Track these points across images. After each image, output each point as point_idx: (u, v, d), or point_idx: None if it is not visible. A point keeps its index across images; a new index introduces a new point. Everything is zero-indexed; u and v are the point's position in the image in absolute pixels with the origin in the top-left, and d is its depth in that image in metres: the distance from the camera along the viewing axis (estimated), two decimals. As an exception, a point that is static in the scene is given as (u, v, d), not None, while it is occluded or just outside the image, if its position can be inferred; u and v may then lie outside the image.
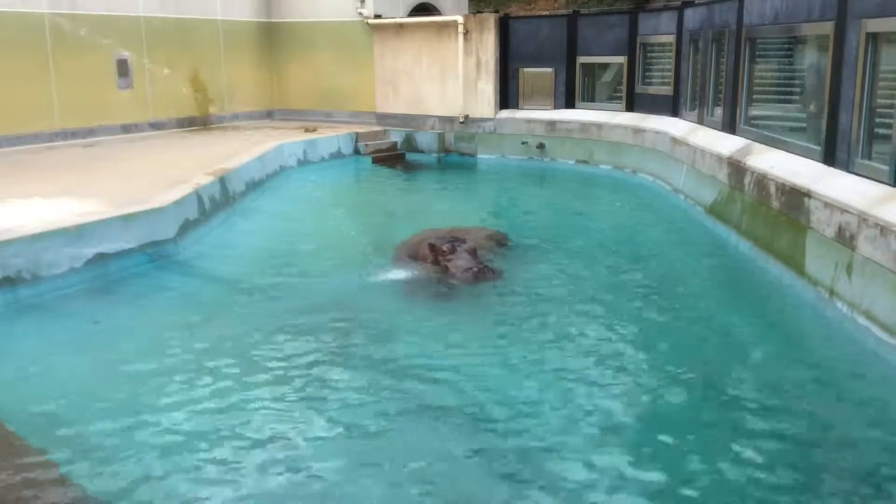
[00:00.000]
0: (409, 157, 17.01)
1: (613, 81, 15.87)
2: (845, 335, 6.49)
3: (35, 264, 7.35)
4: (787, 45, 9.75)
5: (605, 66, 15.90)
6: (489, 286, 7.81)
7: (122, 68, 15.39)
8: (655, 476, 4.43)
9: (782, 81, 10.10)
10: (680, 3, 13.58)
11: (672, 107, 13.91)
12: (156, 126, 16.18)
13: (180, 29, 16.50)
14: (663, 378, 5.76)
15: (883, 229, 6.17)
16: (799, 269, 7.63)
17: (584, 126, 15.48)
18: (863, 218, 6.48)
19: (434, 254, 8.14)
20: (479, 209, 12.78)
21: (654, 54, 14.80)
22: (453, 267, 7.94)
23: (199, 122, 17.13)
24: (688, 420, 5.13)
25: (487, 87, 16.53)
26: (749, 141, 10.00)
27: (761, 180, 8.78)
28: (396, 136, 17.32)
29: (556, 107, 16.15)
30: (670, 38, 13.90)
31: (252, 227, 10.69)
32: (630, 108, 15.16)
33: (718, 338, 6.60)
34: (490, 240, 9.29)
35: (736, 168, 9.65)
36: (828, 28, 7.97)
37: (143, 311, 7.21)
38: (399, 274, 8.17)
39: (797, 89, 9.67)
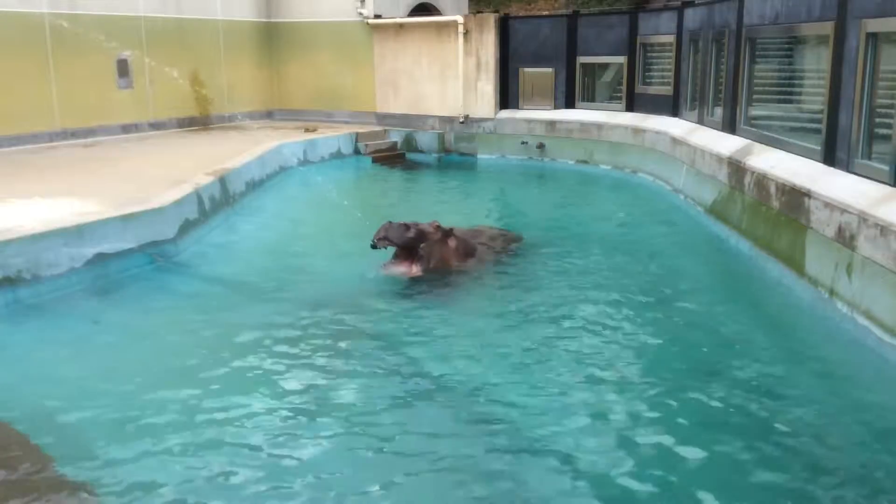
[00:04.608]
0: (409, 157, 17.02)
1: (613, 81, 15.87)
2: (845, 335, 6.49)
3: (35, 264, 7.35)
4: (787, 45, 9.75)
5: (605, 66, 15.90)
6: (492, 287, 7.82)
7: (122, 68, 15.39)
8: (654, 474, 4.43)
9: (782, 81, 10.10)
10: (680, 3, 13.59)
11: (672, 107, 13.91)
12: (156, 126, 16.18)
13: (180, 29, 16.50)
14: (661, 376, 5.76)
15: (883, 229, 6.16)
16: (799, 269, 7.63)
17: (584, 126, 15.49)
18: (863, 218, 6.48)
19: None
20: (480, 209, 12.76)
21: (654, 54, 14.81)
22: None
23: (199, 122, 17.13)
24: (685, 418, 5.12)
25: (487, 87, 16.54)
26: (749, 141, 10.00)
27: (761, 180, 8.78)
28: (396, 136, 17.34)
29: (556, 107, 16.16)
30: (670, 38, 13.91)
31: (252, 227, 10.69)
32: (630, 108, 15.17)
33: (717, 338, 6.59)
34: (504, 239, 9.28)
35: (736, 168, 9.65)
36: (828, 28, 7.97)
37: (142, 312, 7.21)
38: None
39: (797, 89, 9.66)
